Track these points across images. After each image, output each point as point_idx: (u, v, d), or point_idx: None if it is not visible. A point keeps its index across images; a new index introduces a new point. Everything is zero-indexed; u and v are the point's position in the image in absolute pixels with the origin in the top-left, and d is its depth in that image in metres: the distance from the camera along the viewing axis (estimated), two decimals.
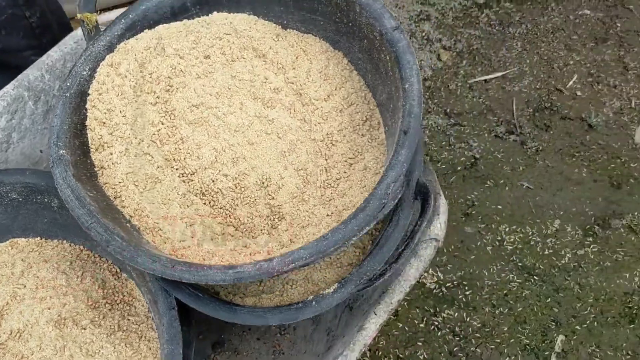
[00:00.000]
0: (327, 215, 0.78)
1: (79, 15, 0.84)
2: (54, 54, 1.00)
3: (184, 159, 0.82)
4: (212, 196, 0.82)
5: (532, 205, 1.53)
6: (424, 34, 1.91)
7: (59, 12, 1.19)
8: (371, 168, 0.79)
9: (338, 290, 0.73)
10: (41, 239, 0.95)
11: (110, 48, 0.86)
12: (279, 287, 0.80)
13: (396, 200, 0.64)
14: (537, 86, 1.77)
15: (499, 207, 1.54)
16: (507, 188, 1.56)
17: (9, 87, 0.97)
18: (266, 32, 0.87)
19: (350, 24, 0.79)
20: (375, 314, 0.75)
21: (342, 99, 0.83)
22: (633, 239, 1.45)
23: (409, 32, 1.92)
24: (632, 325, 1.35)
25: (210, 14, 0.89)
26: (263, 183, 0.82)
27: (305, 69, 0.85)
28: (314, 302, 0.73)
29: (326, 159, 0.82)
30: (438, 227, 0.79)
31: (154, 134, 0.83)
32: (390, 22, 0.72)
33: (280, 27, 0.88)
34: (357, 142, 0.81)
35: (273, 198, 0.82)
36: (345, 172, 0.81)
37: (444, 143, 1.66)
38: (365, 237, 0.83)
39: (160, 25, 0.88)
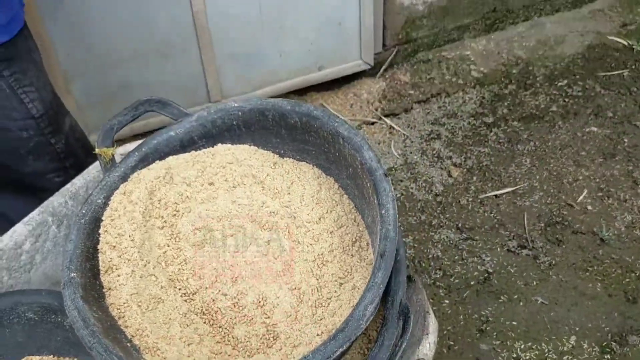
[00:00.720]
0: (318, 334, 0.81)
1: (97, 150, 0.94)
2: (77, 181, 1.10)
3: (187, 279, 0.88)
4: (212, 315, 0.86)
5: (548, 320, 1.51)
6: (434, 152, 1.99)
7: (83, 139, 1.31)
8: (360, 288, 0.83)
9: None
10: (54, 356, 0.99)
11: (124, 178, 0.94)
12: None
13: (369, 322, 0.67)
14: (548, 201, 1.80)
15: (514, 322, 1.52)
16: (521, 303, 1.56)
17: (35, 213, 1.05)
18: (264, 160, 0.95)
19: (337, 154, 0.87)
20: None
21: (333, 221, 0.89)
22: None
23: (420, 150, 2.01)
24: None
25: (215, 146, 0.97)
26: (260, 302, 0.86)
27: (299, 193, 0.91)
28: None
29: (318, 279, 0.86)
30: (427, 346, 0.81)
31: (159, 255, 0.89)
32: (369, 154, 0.79)
33: (277, 155, 0.96)
34: (346, 262, 0.86)
35: (269, 317, 0.85)
36: (335, 292, 0.84)
37: (456, 257, 1.68)
38: (357, 356, 0.85)
39: (170, 157, 0.97)
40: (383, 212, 0.74)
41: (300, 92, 2.20)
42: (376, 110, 2.16)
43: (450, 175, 1.91)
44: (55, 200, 1.08)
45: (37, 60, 1.18)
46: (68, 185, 1.09)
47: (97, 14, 1.72)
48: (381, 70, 2.28)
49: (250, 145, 0.98)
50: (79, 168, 1.15)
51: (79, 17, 1.70)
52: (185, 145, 0.98)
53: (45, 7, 1.66)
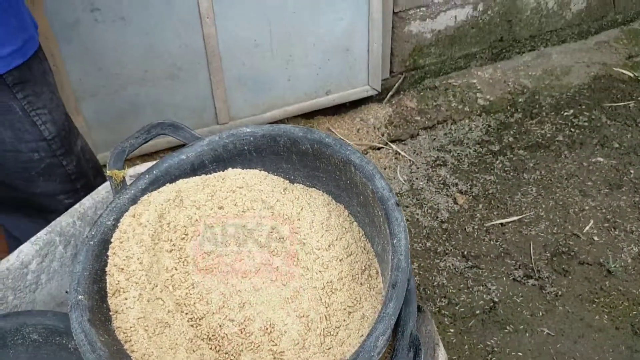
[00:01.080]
0: None
1: (108, 172, 0.94)
2: (86, 202, 1.10)
3: (194, 303, 0.87)
4: (219, 341, 0.85)
5: (554, 352, 1.50)
6: (440, 178, 1.99)
7: (93, 160, 1.31)
8: (369, 317, 0.82)
9: None
10: None
11: (134, 200, 0.94)
12: None
13: (381, 354, 0.66)
14: (554, 231, 1.80)
15: (520, 354, 1.51)
16: (527, 334, 1.54)
17: (42, 233, 1.05)
18: (274, 186, 0.95)
19: (348, 182, 0.87)
20: None
21: (342, 248, 0.88)
22: None
23: (426, 176, 2.01)
24: None
25: (225, 170, 0.98)
26: (267, 329, 0.85)
27: (309, 220, 0.91)
28: None
29: (326, 307, 0.85)
30: None
31: (167, 279, 0.89)
32: (381, 182, 0.79)
33: (287, 181, 0.96)
34: (356, 291, 0.85)
35: (276, 344, 0.84)
36: (344, 321, 0.84)
37: (462, 286, 1.67)
38: None
39: (181, 180, 0.97)
40: (395, 241, 0.73)
41: (308, 116, 2.21)
42: (382, 135, 2.17)
43: (456, 203, 1.90)
44: (64, 220, 1.08)
45: (51, 82, 1.19)
46: (77, 206, 1.09)
47: (109, 36, 1.74)
48: (388, 96, 2.29)
49: (260, 171, 0.98)
50: (90, 189, 1.14)
51: (92, 40, 1.72)
52: (196, 168, 0.99)
53: (60, 28, 1.68)
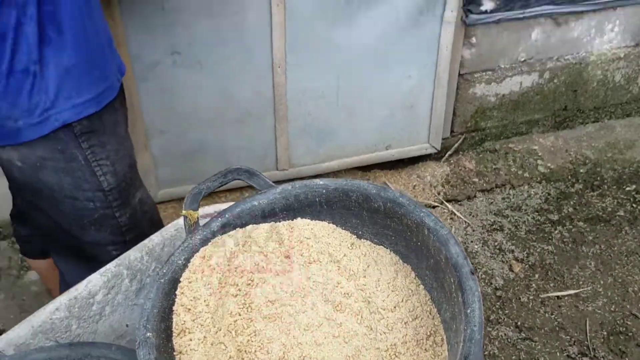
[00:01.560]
0: None
1: (183, 212, 0.97)
2: (155, 238, 1.13)
3: (255, 351, 0.87)
4: None
5: None
6: (496, 244, 1.96)
7: (151, 211, 1.30)
8: None
9: None
10: None
11: (206, 242, 0.96)
12: None
13: None
14: (612, 309, 1.73)
15: None
16: None
17: (111, 265, 1.08)
18: (342, 240, 0.96)
19: (419, 243, 0.87)
20: None
21: (408, 311, 0.88)
22: None
23: (481, 240, 1.98)
24: None
25: (294, 219, 0.99)
26: None
27: (375, 278, 0.91)
28: None
29: None
30: None
31: (230, 324, 0.89)
32: (455, 248, 0.78)
33: (355, 236, 0.97)
34: (420, 357, 0.84)
35: None
36: None
37: (514, 357, 1.62)
38: None
39: (251, 225, 0.99)
40: (468, 311, 0.73)
41: (365, 168, 2.23)
42: (438, 194, 2.17)
43: (511, 270, 1.87)
44: (132, 255, 1.10)
45: (120, 134, 1.18)
46: (146, 241, 1.12)
47: (186, 79, 1.81)
48: (447, 155, 2.29)
49: (329, 223, 0.99)
50: (140, 242, 1.11)
51: (169, 81, 1.80)
52: (266, 215, 1.00)
53: (140, 69, 1.76)
